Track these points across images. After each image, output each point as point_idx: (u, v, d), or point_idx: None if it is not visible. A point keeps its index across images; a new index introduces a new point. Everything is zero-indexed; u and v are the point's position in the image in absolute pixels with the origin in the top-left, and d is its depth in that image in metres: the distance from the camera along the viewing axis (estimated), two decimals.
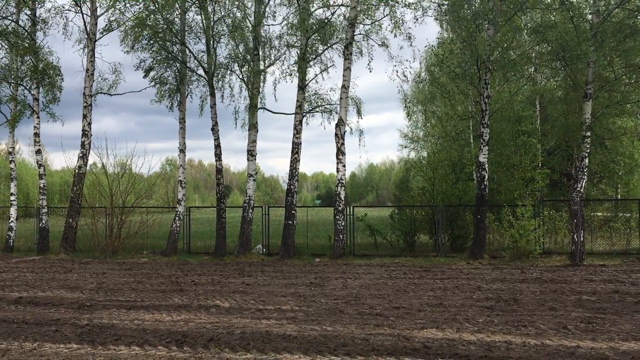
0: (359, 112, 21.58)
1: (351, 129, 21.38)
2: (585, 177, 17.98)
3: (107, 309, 10.62)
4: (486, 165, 19.38)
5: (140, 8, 19.56)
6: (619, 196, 28.51)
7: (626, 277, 14.16)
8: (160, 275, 15.38)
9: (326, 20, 19.19)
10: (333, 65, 21.00)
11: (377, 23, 19.49)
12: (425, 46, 25.47)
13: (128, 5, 20.25)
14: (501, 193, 21.96)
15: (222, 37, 19.80)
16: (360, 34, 19.91)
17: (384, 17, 19.02)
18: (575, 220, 17.69)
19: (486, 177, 19.36)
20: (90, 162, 22.61)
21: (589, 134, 17.84)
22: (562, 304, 10.62)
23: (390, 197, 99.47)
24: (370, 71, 20.87)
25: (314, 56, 20.77)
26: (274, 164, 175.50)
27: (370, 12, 19.67)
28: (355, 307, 10.42)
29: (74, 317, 9.75)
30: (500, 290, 12.33)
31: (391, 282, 13.73)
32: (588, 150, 17.96)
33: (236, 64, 19.69)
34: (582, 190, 17.88)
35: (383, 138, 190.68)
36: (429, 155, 22.82)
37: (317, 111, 20.75)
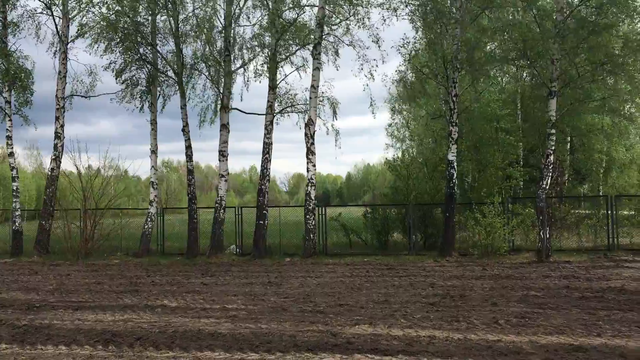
0: (334, 113, 21.65)
1: (327, 130, 21.50)
2: (550, 174, 18.08)
3: (54, 309, 10.68)
4: (455, 164, 19.46)
5: (108, 10, 19.58)
6: (602, 194, 28.62)
7: (584, 272, 14.23)
8: (123, 276, 15.45)
9: (292, 20, 19.22)
10: (304, 65, 21.07)
11: (344, 23, 19.56)
12: (392, 47, 25.49)
13: (98, 8, 20.26)
14: (474, 191, 22.05)
15: (189, 37, 19.84)
16: (328, 34, 19.97)
17: (350, 16, 19.07)
18: (541, 217, 17.78)
19: (455, 175, 19.45)
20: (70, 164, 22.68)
21: (553, 131, 17.92)
22: (506, 299, 10.70)
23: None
24: (337, 69, 20.82)
25: (284, 57, 20.87)
26: (273, 165, 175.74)
27: (338, 12, 19.74)
28: (301, 305, 10.50)
29: (16, 318, 9.81)
30: (453, 286, 12.41)
31: (350, 280, 13.80)
32: (553, 148, 18.03)
33: (204, 65, 19.70)
34: (547, 187, 17.96)
35: (381, 138, 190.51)
36: (402, 153, 22.86)
37: (288, 111, 20.84)
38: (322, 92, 21.08)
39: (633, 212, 21.49)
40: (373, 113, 20.31)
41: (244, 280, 14.20)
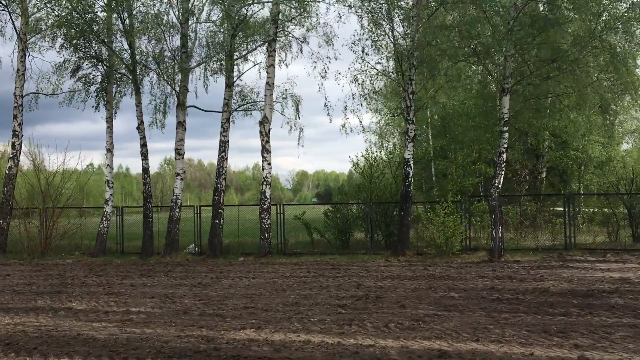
0: (297, 110, 21.37)
1: (290, 127, 21.25)
2: (503, 172, 17.74)
3: None
4: (411, 162, 19.19)
5: (63, 8, 19.41)
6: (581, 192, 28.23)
7: (524, 273, 13.95)
8: (61, 276, 15.27)
9: (243, 17, 18.97)
10: (260, 62, 20.82)
11: (297, 19, 19.30)
12: (343, 45, 25.15)
13: (52, 4, 20.06)
14: (435, 190, 21.80)
15: (144, 34, 19.64)
16: (281, 30, 19.72)
17: (300, 14, 18.81)
18: (493, 216, 17.51)
19: (411, 173, 19.19)
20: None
21: (506, 129, 17.60)
22: (419, 301, 10.45)
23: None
24: (281, 68, 20.46)
25: (242, 54, 20.67)
26: (279, 162, 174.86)
27: (290, 7, 19.49)
28: (209, 308, 10.29)
29: None
30: (378, 288, 12.16)
31: (283, 281, 13.57)
32: (506, 146, 17.73)
33: (155, 63, 19.49)
34: (499, 186, 17.65)
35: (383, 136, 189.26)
36: (366, 151, 22.59)
37: (242, 109, 20.61)
38: (286, 90, 20.88)
39: (596, 210, 21.16)
40: (329, 115, 19.89)
41: (177, 281, 14.00)
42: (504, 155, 17.72)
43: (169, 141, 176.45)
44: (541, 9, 17.42)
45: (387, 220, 21.19)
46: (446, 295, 11.04)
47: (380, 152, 24.64)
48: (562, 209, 22.70)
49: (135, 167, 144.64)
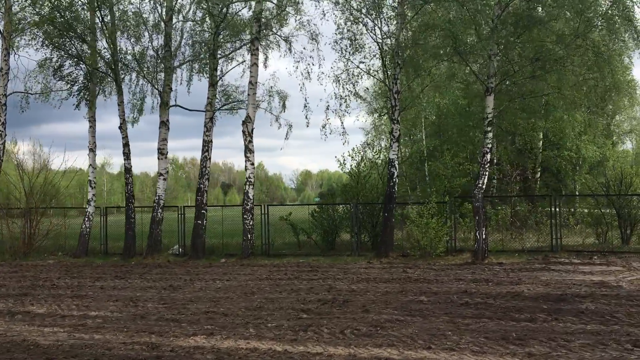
0: (283, 106, 21.11)
1: (279, 124, 21.01)
2: (487, 173, 17.42)
3: None
4: (396, 162, 18.93)
5: (43, 6, 19.21)
6: (577, 192, 27.88)
7: (504, 275, 13.64)
8: (36, 278, 15.07)
9: (224, 15, 18.70)
10: (245, 61, 20.54)
11: (280, 16, 19.04)
12: (326, 43, 24.90)
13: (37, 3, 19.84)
14: (420, 191, 21.50)
15: (125, 33, 19.42)
16: (264, 29, 19.44)
17: (281, 11, 18.55)
18: (477, 218, 17.19)
19: (395, 174, 18.92)
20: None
21: (490, 129, 17.28)
22: (386, 305, 10.18)
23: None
24: (265, 68, 20.16)
25: (226, 53, 20.44)
26: (284, 162, 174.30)
27: (273, 3, 19.26)
28: (169, 313, 10.05)
29: None
30: (349, 291, 11.89)
31: (256, 283, 13.32)
32: (490, 146, 17.42)
33: (135, 61, 19.26)
34: (483, 186, 17.34)
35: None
36: (353, 150, 22.28)
37: (226, 109, 20.37)
38: (271, 87, 20.64)
39: (586, 210, 20.82)
40: (307, 119, 19.63)
41: (149, 283, 13.76)
42: (488, 156, 17.40)
43: (171, 140, 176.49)
44: (525, 7, 17.05)
45: (373, 221, 20.89)
46: (415, 299, 10.76)
47: (367, 151, 24.33)
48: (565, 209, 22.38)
49: (139, 167, 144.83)
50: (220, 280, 13.91)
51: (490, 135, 17.35)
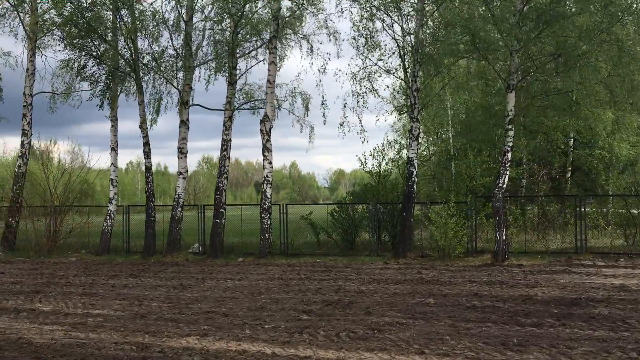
0: (306, 108, 21.05)
1: (301, 126, 20.99)
2: (507, 172, 16.94)
3: None
4: (415, 161, 18.60)
5: (61, 8, 19.50)
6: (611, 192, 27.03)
7: (521, 278, 13.24)
8: (53, 275, 15.25)
9: (241, 13, 18.64)
10: (264, 60, 20.48)
11: (297, 14, 18.92)
12: (344, 40, 24.63)
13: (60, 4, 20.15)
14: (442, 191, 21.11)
15: (145, 32, 19.56)
16: (282, 27, 19.34)
17: (300, 8, 18.41)
18: (497, 218, 16.76)
19: (415, 173, 18.58)
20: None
21: (511, 127, 16.78)
22: (390, 308, 9.93)
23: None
24: (279, 69, 20.00)
25: (246, 52, 20.41)
26: (317, 161, 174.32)
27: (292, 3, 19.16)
28: (170, 312, 10.00)
29: None
30: (357, 292, 11.67)
31: (266, 283, 13.21)
32: (510, 144, 16.90)
33: (154, 61, 19.38)
34: (504, 186, 16.86)
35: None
36: (375, 150, 21.98)
37: (245, 108, 20.35)
38: (294, 87, 20.60)
39: (612, 211, 20.13)
40: (324, 117, 19.50)
41: (161, 282, 13.79)
42: (509, 155, 16.91)
43: (210, 139, 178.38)
44: (548, 1, 16.52)
45: (393, 221, 20.59)
46: (422, 301, 10.49)
47: (388, 150, 23.98)
48: (589, 210, 21.70)
49: (174, 166, 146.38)
50: (231, 280, 13.84)
51: (511, 133, 16.85)
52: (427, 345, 7.38)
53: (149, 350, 7.39)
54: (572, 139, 27.77)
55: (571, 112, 22.29)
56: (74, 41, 19.66)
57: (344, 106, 18.47)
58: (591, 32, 15.43)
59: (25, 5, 21.67)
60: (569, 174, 28.52)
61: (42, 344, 7.83)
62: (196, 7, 20.24)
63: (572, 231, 18.87)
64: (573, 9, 15.97)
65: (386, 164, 22.27)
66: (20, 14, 21.49)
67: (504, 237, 16.65)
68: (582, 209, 17.89)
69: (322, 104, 19.14)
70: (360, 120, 18.72)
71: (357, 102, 18.10)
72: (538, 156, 25.64)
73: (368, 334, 8.07)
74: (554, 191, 24.83)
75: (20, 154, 21.73)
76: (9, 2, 21.31)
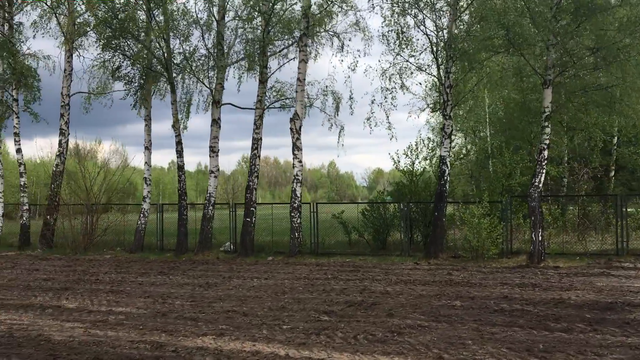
0: (337, 108, 20.86)
1: (331, 125, 20.83)
2: (544, 170, 16.38)
3: None
4: (447, 160, 18.22)
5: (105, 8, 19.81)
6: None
7: (556, 280, 12.75)
8: (85, 272, 15.45)
9: (270, 11, 18.56)
10: (295, 58, 20.34)
11: (327, 11, 18.74)
12: (373, 36, 24.25)
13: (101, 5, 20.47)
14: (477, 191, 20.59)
15: (175, 32, 19.69)
16: (313, 24, 19.18)
17: (330, 4, 18.23)
18: (533, 218, 16.22)
19: (447, 172, 18.20)
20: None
21: (547, 124, 16.22)
22: (414, 310, 9.65)
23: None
24: (305, 67, 19.80)
25: (277, 50, 20.34)
26: (356, 160, 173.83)
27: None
28: (191, 311, 9.95)
29: None
30: (383, 293, 11.41)
31: (292, 282, 13.08)
32: (547, 142, 16.33)
33: (186, 60, 19.49)
34: (540, 185, 16.32)
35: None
36: (408, 148, 21.60)
37: (276, 106, 20.28)
38: (326, 86, 20.45)
39: None
40: (351, 108, 19.32)
41: (188, 280, 13.80)
42: (545, 153, 16.34)
43: (243, 139, 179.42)
44: None
45: (426, 221, 20.20)
46: (448, 303, 10.17)
47: (421, 149, 23.54)
48: (631, 210, 20.88)
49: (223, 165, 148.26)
50: (257, 279, 13.76)
51: (547, 130, 16.28)
52: (446, 350, 7.10)
53: (163, 350, 7.32)
54: (616, 137, 26.84)
55: (613, 109, 21.49)
56: (109, 42, 19.89)
57: (372, 102, 18.21)
58: (632, 25, 14.78)
59: (63, 7, 22.09)
60: (612, 173, 27.58)
61: (59, 341, 7.85)
62: (228, 5, 20.26)
63: (613, 232, 18.17)
64: (613, 1, 15.27)
65: (419, 162, 21.87)
66: (58, 16, 21.90)
67: (540, 238, 16.10)
68: (625, 209, 17.17)
69: (350, 97, 19.02)
70: (387, 116, 18.41)
71: (385, 98, 17.81)
72: (579, 154, 24.83)
73: (387, 336, 7.83)
74: (597, 190, 23.99)
75: (57, 153, 22.17)
76: (47, 5, 21.75)
